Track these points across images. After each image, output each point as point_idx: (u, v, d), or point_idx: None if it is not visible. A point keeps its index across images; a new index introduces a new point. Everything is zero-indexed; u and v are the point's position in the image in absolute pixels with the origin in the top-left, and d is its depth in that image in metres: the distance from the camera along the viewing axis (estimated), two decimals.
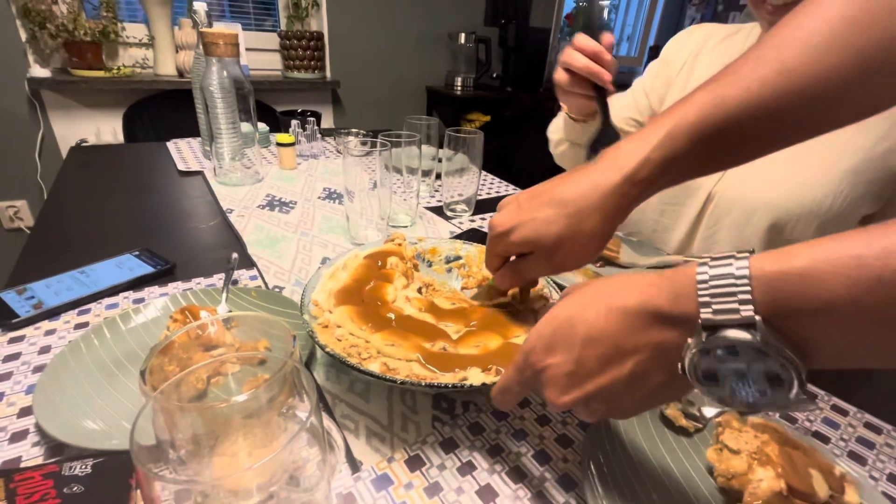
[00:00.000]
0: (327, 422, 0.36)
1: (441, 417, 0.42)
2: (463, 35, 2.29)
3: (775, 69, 0.30)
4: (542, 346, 0.29)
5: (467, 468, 0.37)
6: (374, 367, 0.38)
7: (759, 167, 0.58)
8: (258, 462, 0.24)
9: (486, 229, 0.84)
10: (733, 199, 0.66)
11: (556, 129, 0.85)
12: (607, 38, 0.55)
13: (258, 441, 0.29)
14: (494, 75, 2.49)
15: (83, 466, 0.33)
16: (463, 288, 0.56)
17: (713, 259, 0.23)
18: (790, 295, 0.20)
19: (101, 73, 1.66)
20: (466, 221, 0.88)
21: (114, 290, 0.57)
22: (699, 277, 0.23)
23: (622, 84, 0.85)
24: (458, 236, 0.80)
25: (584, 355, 0.27)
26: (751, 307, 0.21)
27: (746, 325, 0.21)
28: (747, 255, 0.22)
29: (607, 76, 0.55)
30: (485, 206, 0.96)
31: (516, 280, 0.43)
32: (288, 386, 0.29)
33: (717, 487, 0.36)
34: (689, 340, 0.23)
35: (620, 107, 0.88)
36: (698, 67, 0.77)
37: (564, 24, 2.96)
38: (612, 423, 0.41)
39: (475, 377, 0.37)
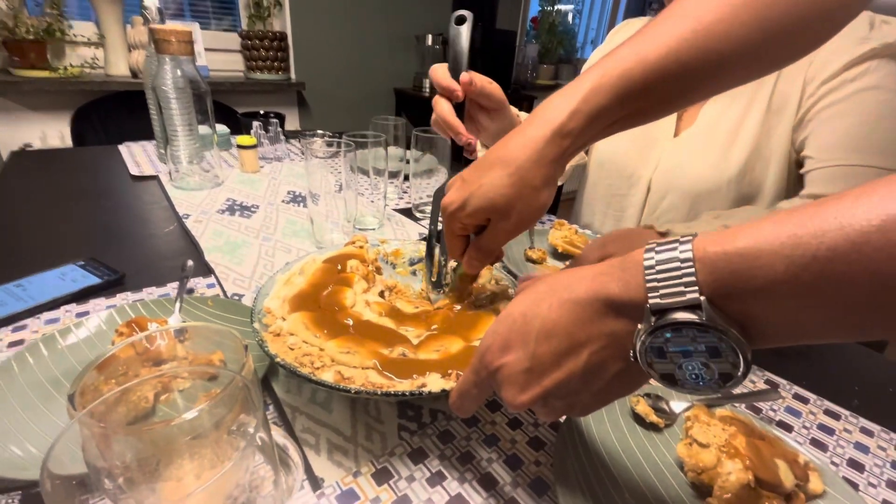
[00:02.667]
0: (282, 438, 0.34)
1: (408, 426, 0.40)
2: (430, 36, 2.29)
3: (691, 27, 0.32)
4: (497, 345, 0.28)
5: (437, 478, 0.36)
6: (328, 376, 0.36)
7: (685, 160, 0.70)
8: (202, 485, 0.22)
9: None
10: (666, 186, 0.75)
11: None
12: (464, 77, 0.51)
13: (207, 463, 0.27)
14: None
15: (9, 500, 0.30)
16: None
17: (659, 244, 0.23)
18: (732, 275, 0.21)
19: (45, 74, 1.56)
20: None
21: (54, 304, 0.53)
22: (646, 263, 0.23)
23: None
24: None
25: (539, 351, 0.26)
26: (695, 289, 0.21)
27: (692, 306, 0.22)
28: (691, 238, 0.22)
29: (464, 137, 0.51)
30: None
31: (483, 257, 0.42)
32: (239, 402, 0.26)
33: (688, 482, 0.36)
34: (640, 326, 0.23)
35: None
36: None
37: (530, 27, 3.00)
38: (582, 422, 0.40)
39: (434, 383, 0.36)
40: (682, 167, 0.73)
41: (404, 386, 0.36)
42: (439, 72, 0.51)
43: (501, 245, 0.42)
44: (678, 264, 0.22)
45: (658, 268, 0.23)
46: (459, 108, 0.52)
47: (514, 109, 0.66)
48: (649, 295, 0.23)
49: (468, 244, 0.42)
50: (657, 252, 0.23)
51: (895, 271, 0.17)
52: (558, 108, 0.35)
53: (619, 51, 0.34)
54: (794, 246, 0.19)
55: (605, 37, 3.54)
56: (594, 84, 0.34)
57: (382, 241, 0.60)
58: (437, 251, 0.50)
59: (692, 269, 0.21)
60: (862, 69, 0.56)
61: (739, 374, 0.22)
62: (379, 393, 0.35)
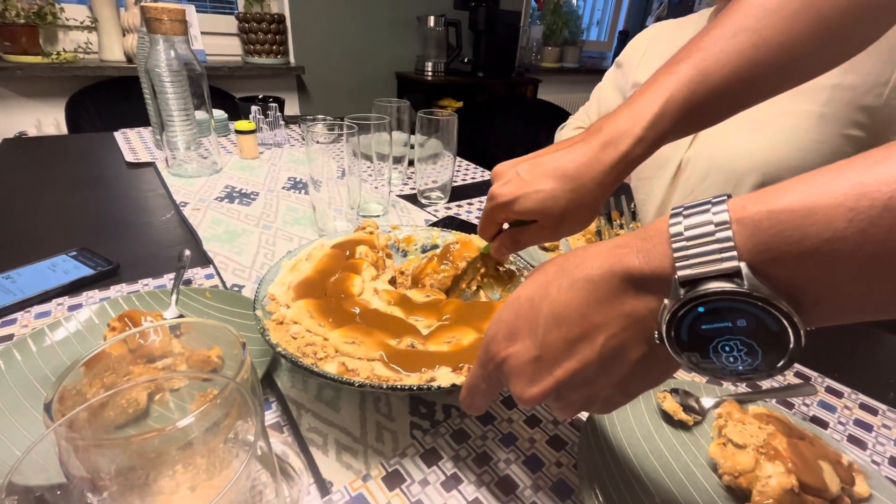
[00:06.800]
0: (281, 446, 0.31)
1: (420, 425, 0.38)
2: (432, 18, 2.22)
3: (752, 42, 0.31)
4: (504, 333, 0.26)
5: (452, 482, 0.33)
6: (331, 368, 0.34)
7: (730, 129, 0.56)
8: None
9: (463, 217, 0.80)
10: (709, 163, 0.66)
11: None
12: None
13: (203, 474, 0.24)
14: (465, 60, 2.44)
15: None
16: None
17: (686, 208, 0.20)
18: (781, 236, 0.17)
19: (38, 59, 1.52)
20: (442, 209, 0.83)
21: (45, 297, 0.51)
22: (672, 230, 0.20)
23: (592, 69, 0.90)
24: (434, 224, 0.75)
25: (548, 338, 0.23)
26: (734, 254, 0.18)
27: (730, 275, 0.18)
28: (724, 198, 0.19)
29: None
30: (461, 192, 0.92)
31: (514, 248, 0.42)
32: (236, 408, 0.24)
33: (722, 485, 0.34)
34: (666, 301, 0.20)
35: (581, 120, 0.94)
36: (651, 62, 0.80)
37: (534, 7, 2.92)
38: (606, 420, 0.38)
39: (444, 378, 0.33)
40: (730, 142, 0.62)
41: (412, 380, 0.34)
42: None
43: (538, 243, 0.42)
44: (711, 228, 0.19)
45: (687, 234, 0.19)
46: None
47: None
48: (677, 264, 0.19)
49: (500, 229, 0.42)
50: (685, 216, 0.20)
51: None
52: (624, 132, 0.34)
53: (680, 68, 0.33)
54: (858, 196, 0.16)
55: (611, 17, 3.43)
56: (660, 109, 0.33)
57: (394, 226, 0.57)
58: None
59: (729, 233, 0.18)
60: None
61: (790, 353, 0.19)
62: (384, 387, 0.32)
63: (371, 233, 0.53)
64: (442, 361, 0.35)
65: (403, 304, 0.44)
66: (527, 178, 0.37)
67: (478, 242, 0.53)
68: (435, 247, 0.56)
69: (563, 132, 0.96)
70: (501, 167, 0.39)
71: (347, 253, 0.49)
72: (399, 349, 0.37)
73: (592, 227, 0.60)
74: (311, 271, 0.46)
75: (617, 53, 0.93)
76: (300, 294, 0.42)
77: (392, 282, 0.49)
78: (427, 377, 0.34)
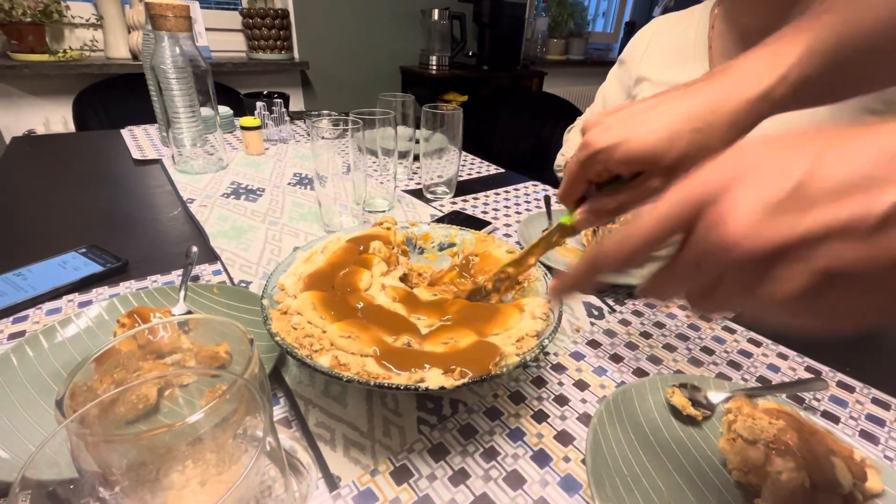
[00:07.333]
0: (289, 441, 0.31)
1: (427, 420, 0.38)
2: (436, 11, 2.21)
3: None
4: (731, 163, 0.19)
5: (460, 477, 0.33)
6: (324, 361, 0.34)
7: None
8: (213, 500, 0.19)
9: (469, 211, 0.80)
10: None
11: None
12: None
13: (211, 468, 0.24)
14: (470, 53, 2.42)
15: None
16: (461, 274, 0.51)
17: None
18: None
19: (45, 58, 1.53)
20: (448, 204, 0.83)
21: (56, 293, 0.51)
22: None
23: (598, 61, 0.88)
24: (440, 220, 0.75)
25: (817, 172, 0.17)
26: None
27: None
28: None
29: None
30: (466, 187, 0.91)
31: (607, 215, 0.35)
32: (244, 404, 0.24)
33: (732, 481, 0.34)
34: None
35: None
36: (654, 56, 0.79)
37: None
38: (614, 414, 0.38)
39: (433, 379, 0.33)
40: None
41: (401, 379, 0.33)
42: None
43: (638, 206, 0.33)
44: None
45: None
46: None
47: None
48: None
49: (584, 196, 0.35)
50: None
51: None
52: (762, 69, 0.29)
53: (822, 16, 0.29)
54: None
55: (617, 8, 3.38)
56: (805, 50, 0.28)
57: (412, 223, 0.57)
58: None
59: None
60: None
61: None
62: (371, 384, 0.32)
63: (388, 228, 0.53)
64: (434, 362, 0.35)
65: (407, 302, 0.44)
66: (632, 120, 0.30)
67: (497, 254, 0.51)
68: (452, 245, 0.56)
69: (572, 135, 0.95)
70: (595, 117, 0.32)
71: (361, 248, 0.50)
72: (394, 347, 0.37)
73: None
74: (322, 263, 0.46)
75: (623, 45, 0.92)
76: (309, 286, 0.43)
77: (404, 279, 0.49)
78: (416, 377, 0.33)
